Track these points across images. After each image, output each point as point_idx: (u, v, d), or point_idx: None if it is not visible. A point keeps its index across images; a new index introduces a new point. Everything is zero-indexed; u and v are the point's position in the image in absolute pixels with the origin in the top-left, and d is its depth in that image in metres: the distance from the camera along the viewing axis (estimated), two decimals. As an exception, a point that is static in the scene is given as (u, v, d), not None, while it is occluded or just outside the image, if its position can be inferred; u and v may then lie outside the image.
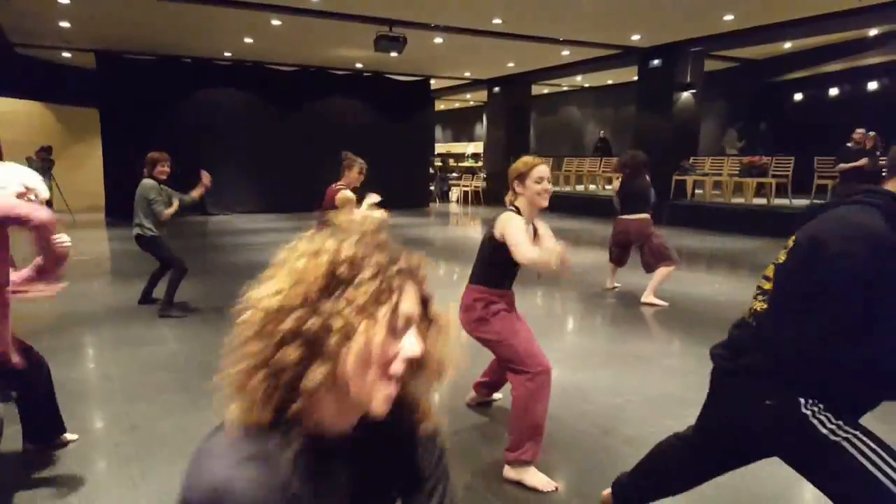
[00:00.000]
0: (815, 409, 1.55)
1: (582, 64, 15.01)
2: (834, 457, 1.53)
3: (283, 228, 11.59)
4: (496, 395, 3.51)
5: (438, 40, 12.16)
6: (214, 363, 0.93)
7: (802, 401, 1.56)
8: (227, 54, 14.05)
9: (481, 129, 27.00)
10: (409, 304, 0.87)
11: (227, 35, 11.86)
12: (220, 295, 6.13)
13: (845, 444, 1.52)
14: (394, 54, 11.47)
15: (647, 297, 5.85)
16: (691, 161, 13.02)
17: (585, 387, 3.80)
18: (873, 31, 11.54)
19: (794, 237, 1.65)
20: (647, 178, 6.07)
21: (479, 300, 2.79)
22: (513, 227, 2.66)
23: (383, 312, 0.84)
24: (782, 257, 1.67)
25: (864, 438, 1.53)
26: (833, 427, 1.54)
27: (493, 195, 17.66)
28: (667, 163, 12.37)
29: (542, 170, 2.77)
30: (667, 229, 10.51)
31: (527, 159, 2.82)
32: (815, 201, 10.16)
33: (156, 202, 5.06)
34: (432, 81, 17.60)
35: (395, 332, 0.86)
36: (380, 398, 0.85)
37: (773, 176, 11.45)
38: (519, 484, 2.63)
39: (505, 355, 2.75)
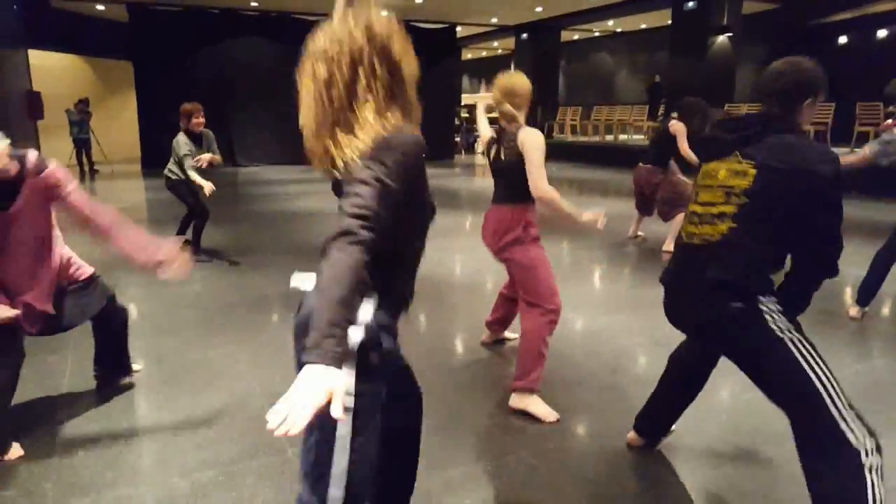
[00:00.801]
0: (771, 309, 1.80)
1: (614, 7, 14.49)
2: (777, 351, 1.76)
3: (310, 180, 11.69)
4: (509, 334, 3.56)
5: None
6: (236, 303, 1.02)
7: (762, 301, 1.81)
8: (253, 4, 13.93)
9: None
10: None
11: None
12: (247, 242, 6.29)
13: (789, 343, 1.76)
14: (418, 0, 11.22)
15: (668, 246, 5.79)
16: (727, 108, 12.61)
17: (598, 329, 3.83)
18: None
19: (743, 163, 1.82)
20: (679, 125, 5.74)
21: (519, 221, 2.75)
22: (536, 146, 2.64)
23: None
24: (737, 182, 1.82)
25: (805, 342, 1.78)
26: (781, 326, 1.78)
27: (521, 145, 17.40)
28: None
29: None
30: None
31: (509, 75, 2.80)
32: (856, 149, 9.81)
33: (185, 157, 5.17)
34: (458, 29, 17.22)
35: None
36: None
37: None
38: (524, 414, 2.71)
39: (529, 284, 2.76)
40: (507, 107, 2.73)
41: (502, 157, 2.75)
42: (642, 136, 15.55)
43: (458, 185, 12.08)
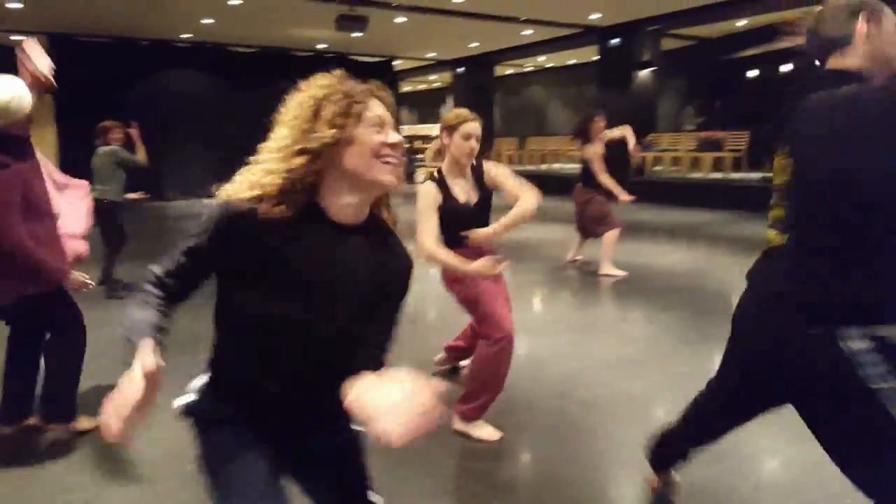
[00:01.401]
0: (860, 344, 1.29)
1: (544, 44, 15.04)
2: (868, 405, 1.28)
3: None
4: (463, 363, 3.55)
5: (401, 20, 12.04)
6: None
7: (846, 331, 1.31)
8: (185, 35, 13.69)
9: (446, 110, 26.94)
10: (377, 110, 1.20)
11: (184, 15, 11.56)
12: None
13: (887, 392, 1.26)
14: (356, 34, 11.33)
15: (605, 269, 5.94)
16: (650, 137, 13.21)
17: (543, 354, 3.88)
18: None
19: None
20: (593, 147, 5.91)
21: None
22: (421, 204, 2.60)
23: (353, 120, 1.17)
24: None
25: None
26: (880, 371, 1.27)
27: (460, 175, 17.65)
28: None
29: (472, 127, 2.67)
30: (628, 204, 10.75)
31: (458, 112, 2.75)
32: (766, 174, 10.45)
33: (126, 157, 5.12)
34: (396, 62, 17.45)
35: (377, 129, 1.19)
36: (384, 173, 1.19)
37: (729, 150, 11.69)
38: (467, 436, 2.71)
39: (475, 317, 2.82)
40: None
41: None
42: (576, 165, 16.06)
43: (400, 215, 12.09)
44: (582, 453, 2.67)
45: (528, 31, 13.70)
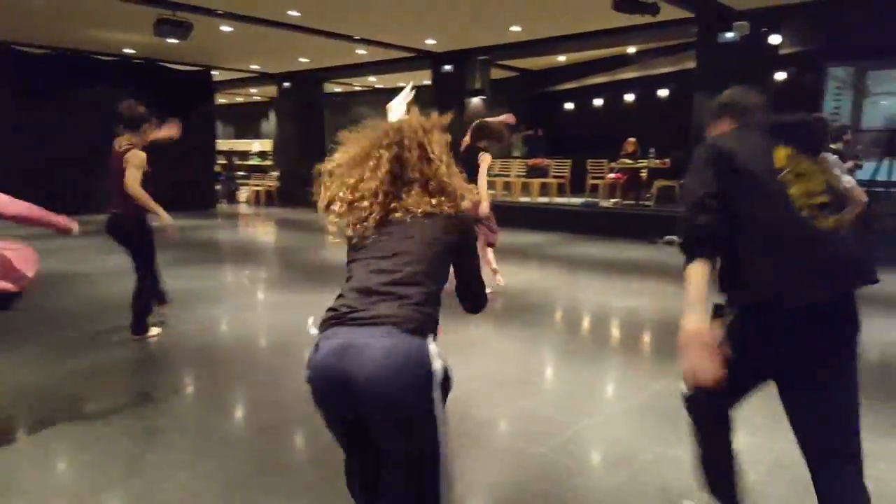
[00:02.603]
0: None
1: (377, 65, 15.33)
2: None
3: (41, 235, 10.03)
4: None
5: (227, 28, 11.52)
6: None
7: None
8: (128, 51, 11.76)
9: (268, 125, 26.08)
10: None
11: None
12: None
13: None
14: (173, 40, 10.58)
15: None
16: (482, 162, 14.02)
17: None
18: (631, 49, 13.53)
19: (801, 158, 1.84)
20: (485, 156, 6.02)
21: None
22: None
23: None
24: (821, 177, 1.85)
25: None
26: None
27: (288, 194, 17.20)
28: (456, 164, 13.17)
29: None
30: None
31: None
32: (589, 199, 11.64)
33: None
34: (215, 73, 16.59)
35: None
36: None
37: (554, 177, 12.82)
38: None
39: None
40: None
41: None
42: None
43: (223, 237, 11.46)
44: (497, 472, 2.77)
45: (362, 51, 13.87)
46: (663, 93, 14.53)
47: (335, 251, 9.72)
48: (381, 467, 1.68)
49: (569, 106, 16.74)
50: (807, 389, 1.83)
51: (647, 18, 7.97)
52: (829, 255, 1.76)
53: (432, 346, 1.59)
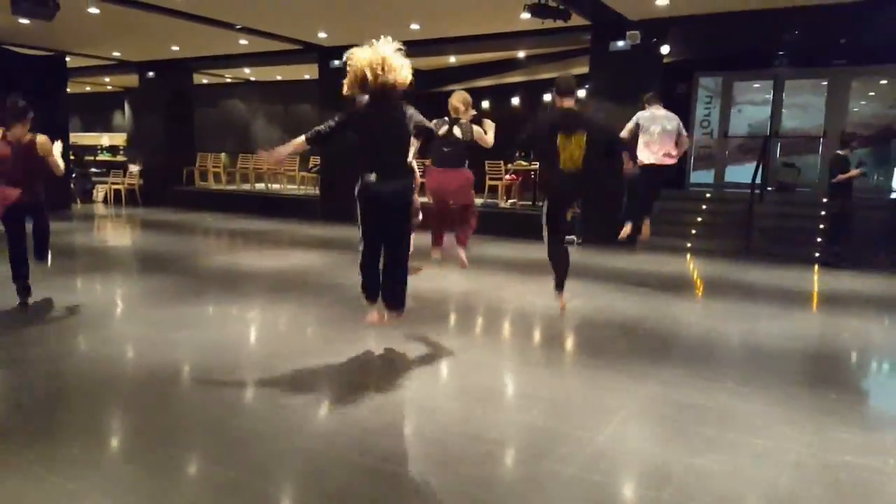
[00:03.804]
0: None
1: (258, 56, 14.65)
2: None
3: None
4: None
5: (94, 10, 10.45)
6: None
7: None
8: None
9: (121, 118, 24.02)
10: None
11: None
12: None
13: None
14: (24, 21, 9.38)
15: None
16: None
17: (430, 393, 3.88)
18: (521, 54, 14.00)
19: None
20: None
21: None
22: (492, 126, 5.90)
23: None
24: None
25: None
26: None
27: (153, 193, 15.98)
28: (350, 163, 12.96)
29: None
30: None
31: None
32: (487, 200, 11.90)
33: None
34: (67, 59, 15.00)
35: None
36: None
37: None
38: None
39: (471, 205, 6.03)
40: (460, 106, 5.63)
41: (459, 136, 5.57)
42: (296, 186, 15.98)
43: (81, 241, 10.41)
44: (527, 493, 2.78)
45: (244, 41, 13.19)
46: (548, 97, 15.25)
47: (222, 257, 9.21)
48: (387, 237, 4.28)
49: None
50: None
51: (557, 24, 8.37)
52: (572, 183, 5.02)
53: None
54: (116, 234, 12.18)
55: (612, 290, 7.06)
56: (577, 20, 9.54)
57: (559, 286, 5.37)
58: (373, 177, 4.01)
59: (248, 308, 6.00)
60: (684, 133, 7.05)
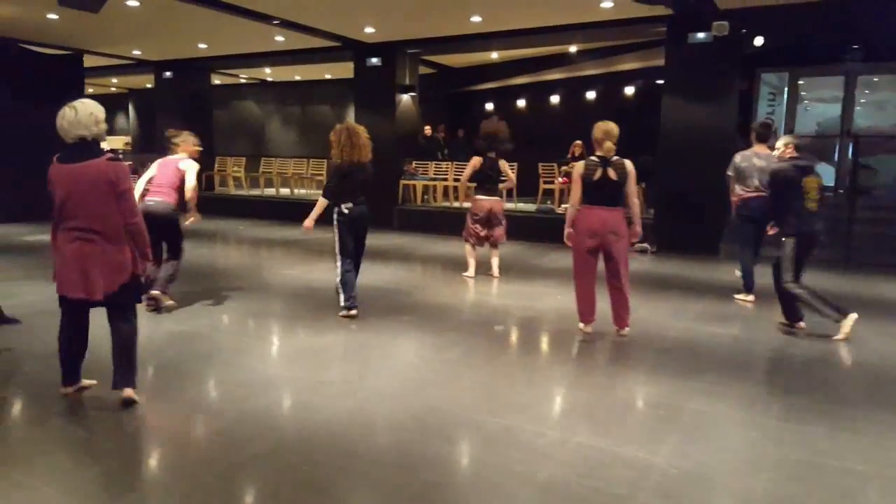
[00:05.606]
0: None
1: (282, 54, 14.15)
2: None
3: None
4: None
5: (133, 3, 9.91)
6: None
7: None
8: None
9: (124, 121, 23.42)
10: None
11: None
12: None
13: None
14: (52, 17, 8.80)
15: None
16: (414, 165, 13.42)
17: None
18: (573, 48, 13.60)
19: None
20: None
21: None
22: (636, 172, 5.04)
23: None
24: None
25: None
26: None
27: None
28: (392, 166, 12.52)
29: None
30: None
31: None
32: (542, 206, 11.43)
33: None
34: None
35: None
36: None
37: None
38: None
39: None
40: (609, 144, 4.91)
41: (613, 177, 4.84)
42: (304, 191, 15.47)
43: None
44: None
45: (279, 38, 12.68)
46: (591, 95, 14.94)
47: (287, 271, 8.63)
48: (357, 247, 5.77)
49: (489, 107, 16.59)
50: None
51: (661, 10, 8.02)
52: None
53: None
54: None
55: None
56: (657, 10, 9.14)
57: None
58: (349, 205, 5.54)
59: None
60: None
